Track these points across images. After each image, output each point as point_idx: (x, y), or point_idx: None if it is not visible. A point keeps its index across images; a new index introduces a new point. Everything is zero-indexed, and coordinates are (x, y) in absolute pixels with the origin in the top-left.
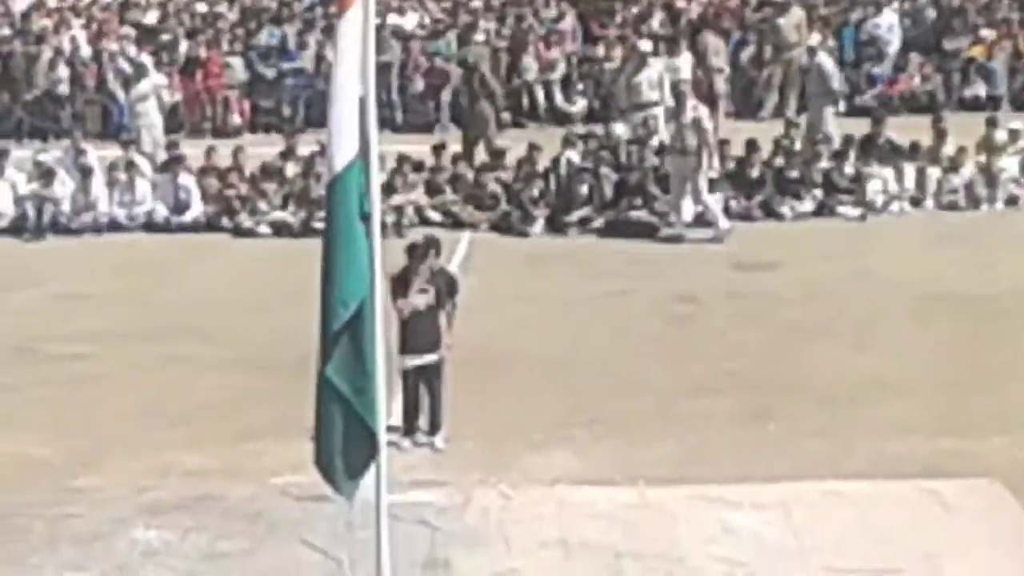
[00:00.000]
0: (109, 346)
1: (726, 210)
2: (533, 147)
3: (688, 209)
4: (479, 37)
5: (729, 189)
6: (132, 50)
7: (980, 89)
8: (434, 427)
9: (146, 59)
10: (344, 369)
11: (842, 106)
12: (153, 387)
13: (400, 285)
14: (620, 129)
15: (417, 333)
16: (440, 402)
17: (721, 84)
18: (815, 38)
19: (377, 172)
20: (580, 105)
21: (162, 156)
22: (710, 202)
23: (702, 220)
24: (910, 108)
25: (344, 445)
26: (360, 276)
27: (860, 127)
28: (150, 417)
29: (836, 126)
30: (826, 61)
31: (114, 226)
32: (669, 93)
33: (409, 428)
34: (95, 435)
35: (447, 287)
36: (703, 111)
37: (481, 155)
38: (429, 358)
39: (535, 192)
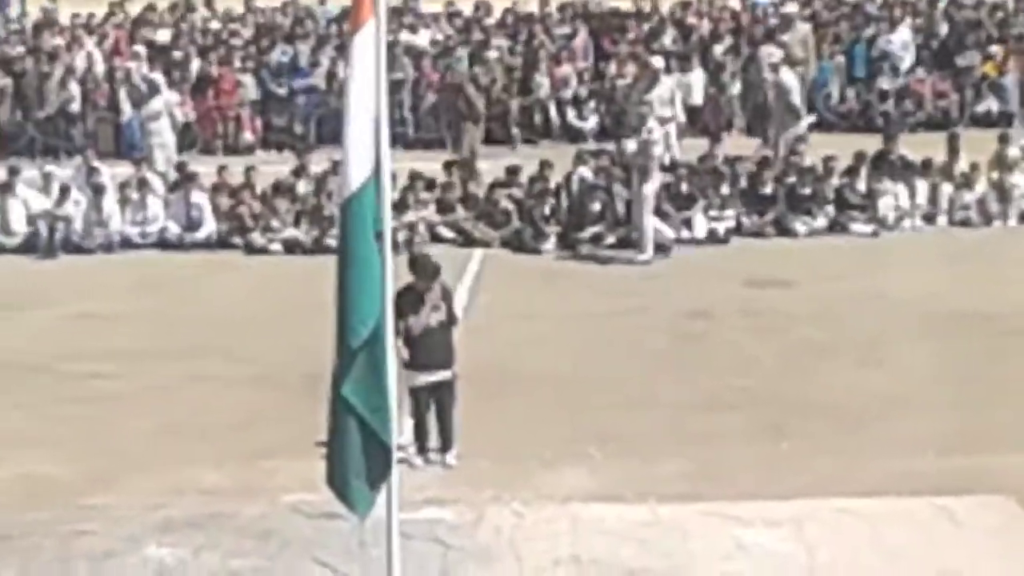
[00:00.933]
0: (124, 365)
1: (738, 228)
2: (545, 164)
3: (700, 226)
4: (492, 54)
5: (741, 206)
6: (145, 68)
7: (992, 105)
8: (446, 444)
9: (159, 77)
10: (360, 386)
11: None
12: (167, 406)
13: (407, 302)
14: (632, 146)
15: (429, 350)
16: (452, 419)
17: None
18: (777, 54)
19: (389, 190)
20: (592, 122)
21: (174, 174)
22: (648, 225)
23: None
24: (924, 125)
25: (360, 462)
26: (375, 294)
27: (873, 144)
28: (164, 435)
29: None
30: (787, 77)
31: (127, 244)
32: (680, 110)
33: (421, 446)
34: (109, 453)
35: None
36: (657, 134)
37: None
38: (442, 375)
39: (547, 209)
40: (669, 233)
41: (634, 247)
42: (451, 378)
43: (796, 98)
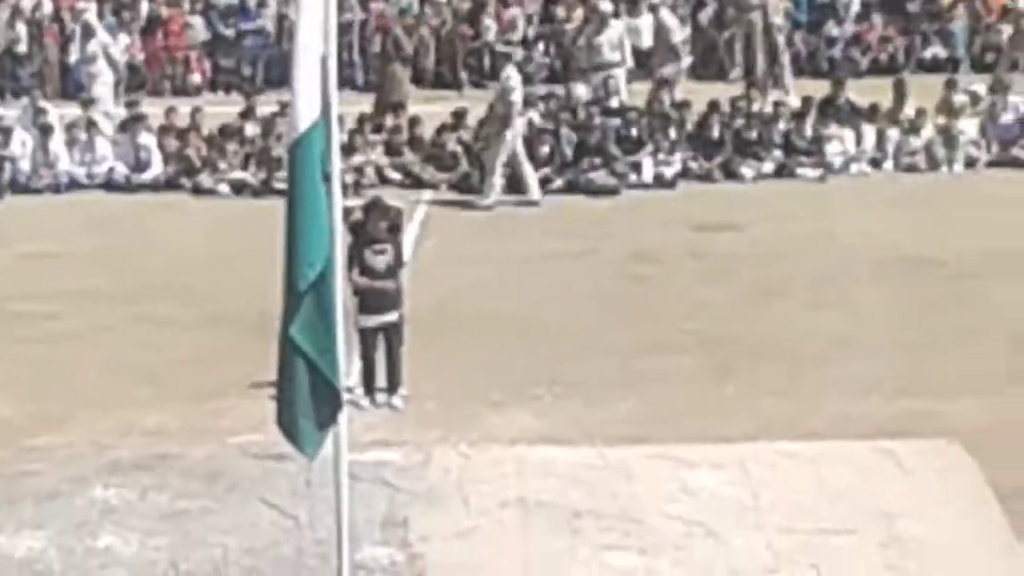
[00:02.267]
0: (71, 305)
1: (685, 172)
2: (494, 107)
3: (647, 170)
4: None
5: (688, 150)
6: (93, 8)
7: (940, 51)
8: (393, 386)
9: (93, 19)
10: (308, 329)
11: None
12: (115, 346)
13: (356, 243)
14: (580, 90)
15: (377, 292)
16: (399, 361)
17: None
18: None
19: (337, 132)
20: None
21: (118, 115)
22: (498, 169)
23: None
24: (870, 70)
25: (309, 403)
26: (323, 237)
27: (820, 89)
28: (112, 376)
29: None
30: (668, 17)
31: (74, 185)
32: (629, 54)
33: (368, 387)
34: (56, 394)
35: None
36: (515, 80)
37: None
38: (388, 318)
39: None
40: (535, 192)
41: (582, 191)
42: (399, 320)
43: (677, 38)
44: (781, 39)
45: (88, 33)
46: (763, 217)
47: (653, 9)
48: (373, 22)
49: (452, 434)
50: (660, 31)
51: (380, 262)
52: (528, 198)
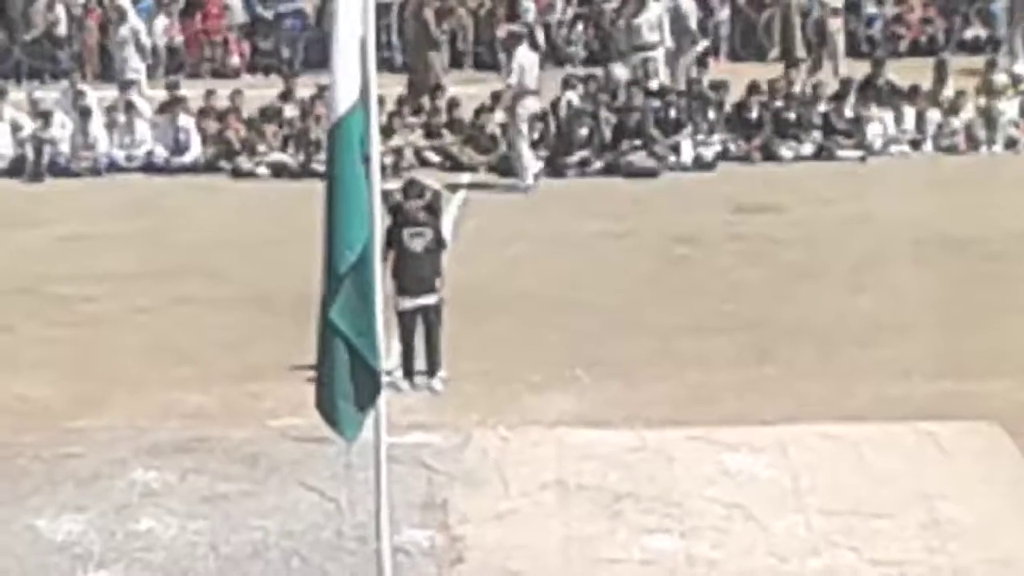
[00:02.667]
0: (111, 287)
1: (724, 153)
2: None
3: (687, 151)
4: None
5: (728, 131)
6: None
7: (980, 31)
8: (432, 368)
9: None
10: (348, 311)
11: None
12: (155, 328)
13: (395, 225)
14: (619, 71)
15: (415, 275)
16: (438, 343)
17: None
18: None
19: (376, 114)
20: (580, 47)
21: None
22: (526, 150)
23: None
24: (910, 50)
25: (348, 386)
26: (363, 219)
27: (861, 69)
28: (151, 358)
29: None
30: (684, 2)
31: (113, 167)
32: (669, 34)
33: (408, 371)
34: (96, 376)
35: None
36: (529, 59)
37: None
38: (427, 300)
39: (535, 134)
40: (531, 173)
41: (621, 172)
42: (438, 302)
43: (692, 23)
44: (838, 22)
45: (121, 17)
46: (802, 199)
47: None
48: (411, 4)
49: (491, 416)
50: (677, 16)
51: (418, 244)
52: (519, 182)
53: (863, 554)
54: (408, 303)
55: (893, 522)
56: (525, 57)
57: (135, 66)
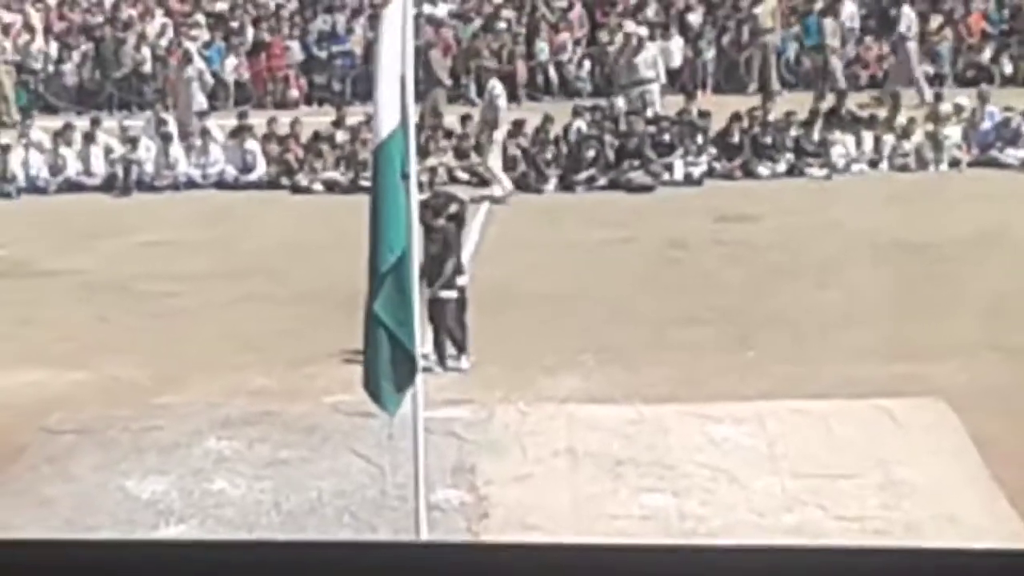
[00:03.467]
0: (188, 285)
1: (710, 171)
2: (547, 118)
3: (678, 170)
4: (501, 25)
5: (713, 153)
6: (206, 35)
7: (928, 68)
8: (460, 350)
9: (220, 43)
10: (388, 304)
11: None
12: (225, 320)
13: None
14: (621, 102)
15: (432, 275)
16: (464, 329)
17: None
18: (630, 26)
19: (414, 138)
20: (587, 82)
21: (197, 126)
22: (496, 166)
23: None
24: (869, 84)
25: (390, 369)
26: (401, 226)
27: (826, 101)
28: (222, 345)
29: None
30: (650, 44)
31: (190, 184)
32: (663, 71)
33: (440, 355)
34: (177, 360)
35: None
36: (499, 89)
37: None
38: (447, 294)
39: (548, 155)
40: (507, 183)
41: (622, 188)
42: (458, 296)
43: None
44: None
45: (188, 60)
46: (777, 210)
47: (627, 37)
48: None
49: (512, 394)
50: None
51: (434, 248)
52: (493, 194)
53: (829, 511)
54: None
55: (854, 483)
56: (499, 86)
57: (200, 100)
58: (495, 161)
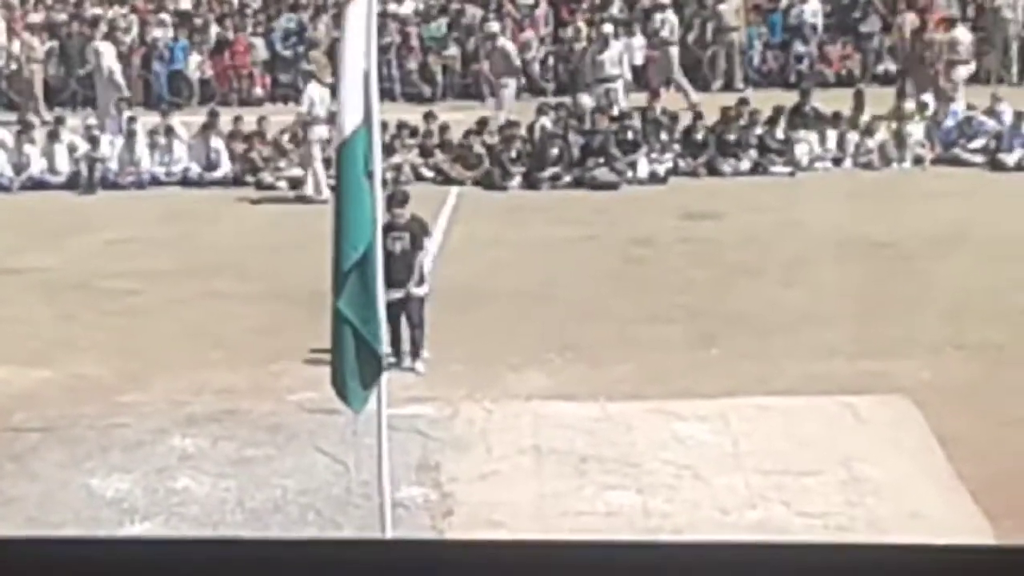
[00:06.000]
0: (155, 282)
1: (675, 169)
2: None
3: (643, 168)
4: (466, 22)
5: (678, 151)
6: (170, 33)
7: (891, 66)
8: (415, 353)
9: (183, 41)
10: (353, 302)
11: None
12: (189, 317)
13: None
14: (586, 100)
15: (393, 273)
16: (420, 331)
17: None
18: (495, 26)
19: (379, 136)
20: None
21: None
22: (318, 169)
23: None
24: (833, 82)
25: (355, 366)
26: (366, 224)
27: (790, 98)
28: (187, 343)
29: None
30: (508, 44)
31: (155, 182)
32: (628, 69)
33: (395, 352)
34: (140, 358)
35: (421, 231)
36: (319, 93)
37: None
38: (399, 293)
39: (513, 153)
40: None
41: (587, 186)
42: (415, 296)
43: (517, 62)
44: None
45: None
46: (741, 208)
47: (492, 37)
48: (408, 44)
49: (476, 391)
50: (505, 55)
51: (397, 247)
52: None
53: (792, 507)
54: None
55: (818, 480)
56: (315, 91)
57: (110, 98)
58: (317, 164)
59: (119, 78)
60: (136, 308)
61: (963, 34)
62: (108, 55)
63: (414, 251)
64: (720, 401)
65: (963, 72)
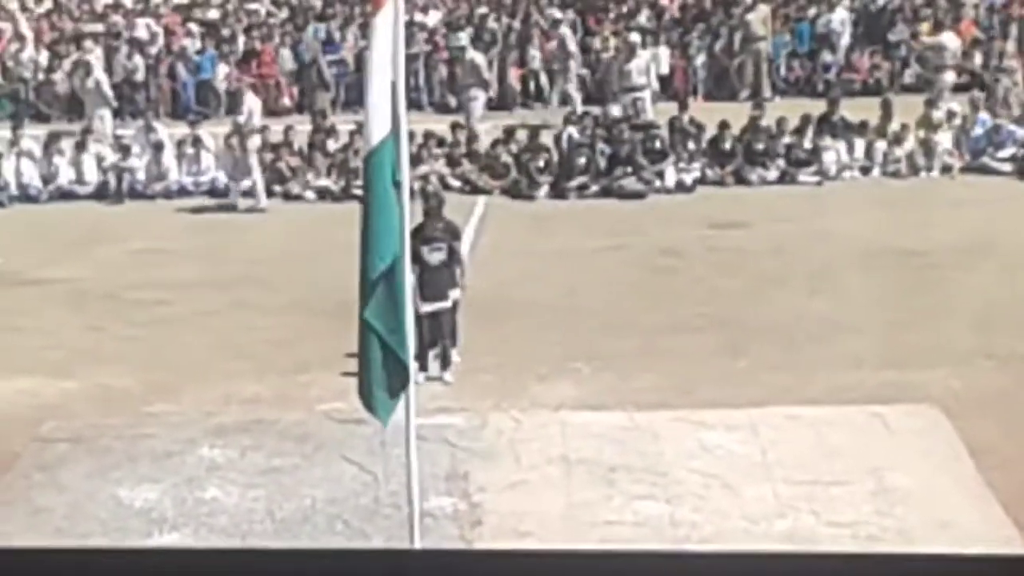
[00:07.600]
0: (180, 293)
1: (702, 178)
2: (539, 125)
3: (670, 177)
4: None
5: (705, 160)
6: (198, 43)
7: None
8: (445, 364)
9: (211, 51)
10: (380, 313)
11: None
12: (218, 328)
13: (417, 239)
14: (613, 109)
15: (432, 284)
16: (452, 339)
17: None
18: (463, 38)
19: (407, 146)
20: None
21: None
22: (258, 179)
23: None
24: (861, 91)
25: (382, 376)
26: (393, 234)
27: (818, 107)
28: (215, 353)
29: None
30: (477, 56)
31: (182, 192)
32: (655, 78)
33: (422, 364)
34: (168, 368)
35: (454, 238)
36: (256, 103)
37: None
38: (441, 305)
39: (540, 163)
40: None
41: (614, 195)
42: (451, 307)
43: (486, 74)
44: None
45: (87, 72)
46: (768, 217)
47: (462, 51)
48: (436, 54)
49: (505, 401)
50: (475, 68)
51: (435, 258)
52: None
53: (821, 517)
54: (427, 308)
55: (847, 489)
56: (253, 102)
57: (102, 111)
58: (256, 174)
59: (107, 89)
60: (164, 318)
61: (950, 40)
62: (97, 67)
63: (451, 263)
64: (749, 411)
65: (949, 78)
